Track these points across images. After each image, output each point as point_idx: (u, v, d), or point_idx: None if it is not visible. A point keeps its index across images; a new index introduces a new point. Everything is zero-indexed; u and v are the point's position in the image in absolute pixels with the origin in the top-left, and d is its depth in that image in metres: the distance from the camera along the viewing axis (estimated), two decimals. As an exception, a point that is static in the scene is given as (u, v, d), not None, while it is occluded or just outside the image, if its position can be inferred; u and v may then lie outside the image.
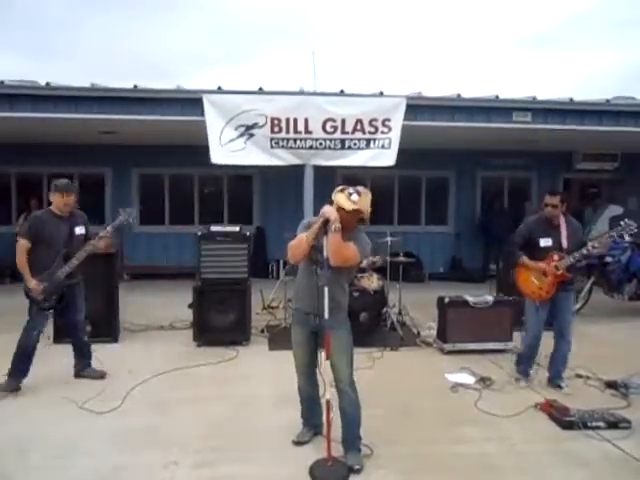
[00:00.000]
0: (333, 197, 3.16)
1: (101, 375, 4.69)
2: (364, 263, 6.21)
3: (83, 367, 4.73)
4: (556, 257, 4.36)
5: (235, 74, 30.17)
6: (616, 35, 33.69)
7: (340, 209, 3.08)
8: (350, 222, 3.15)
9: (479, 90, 20.78)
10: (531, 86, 32.05)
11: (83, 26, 29.71)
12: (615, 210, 9.58)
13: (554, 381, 4.56)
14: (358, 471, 3.14)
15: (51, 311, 4.48)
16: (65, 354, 4.81)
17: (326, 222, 3.06)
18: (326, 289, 3.07)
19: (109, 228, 4.52)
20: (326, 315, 3.08)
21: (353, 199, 3.09)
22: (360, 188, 3.16)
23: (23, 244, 4.30)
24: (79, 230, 4.52)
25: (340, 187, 3.20)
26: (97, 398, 4.16)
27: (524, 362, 4.68)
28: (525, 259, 4.46)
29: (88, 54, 29.02)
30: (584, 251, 4.31)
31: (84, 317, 4.76)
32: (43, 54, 29.92)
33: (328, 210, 3.08)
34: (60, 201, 4.39)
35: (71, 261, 4.35)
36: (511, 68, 33.68)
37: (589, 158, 10.46)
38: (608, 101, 7.23)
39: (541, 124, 7.14)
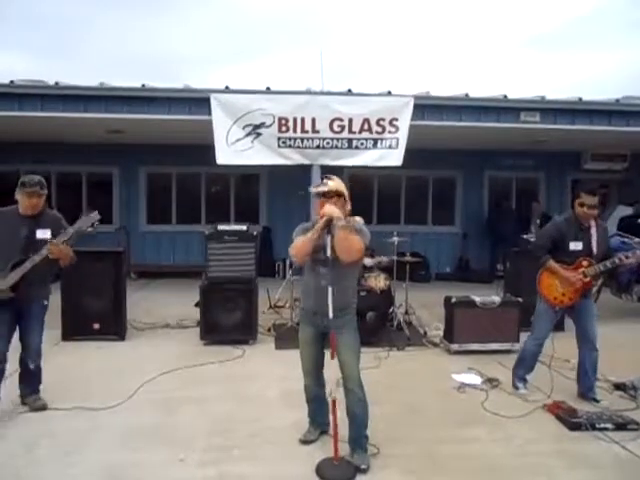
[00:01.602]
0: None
1: (39, 407, 3.92)
2: (371, 261, 6.21)
3: (28, 394, 3.98)
4: (585, 263, 4.12)
5: (242, 73, 30.27)
6: (626, 35, 33.47)
7: (322, 201, 3.14)
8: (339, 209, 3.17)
9: (487, 90, 20.70)
10: (540, 86, 31.92)
11: (91, 26, 29.90)
12: (624, 211, 9.50)
13: (588, 394, 4.28)
14: (365, 471, 3.13)
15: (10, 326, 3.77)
16: (73, 351, 4.84)
17: (329, 221, 3.06)
18: (330, 288, 3.07)
19: (63, 236, 3.69)
20: (330, 314, 3.07)
21: (325, 182, 3.20)
22: (330, 175, 3.27)
23: None
24: (42, 234, 3.70)
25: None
26: (104, 396, 4.17)
27: (524, 367, 4.47)
28: (552, 264, 4.15)
29: (96, 53, 29.19)
30: (616, 260, 4.10)
31: (40, 342, 3.93)
32: (51, 54, 30.15)
33: (329, 209, 3.08)
34: (25, 202, 3.69)
35: (16, 270, 3.59)
36: (519, 68, 33.53)
37: (598, 158, 10.37)
38: (617, 101, 7.18)
39: (550, 124, 7.11)
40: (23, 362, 3.89)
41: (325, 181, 3.21)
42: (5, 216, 3.74)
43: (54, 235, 3.69)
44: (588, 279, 4.13)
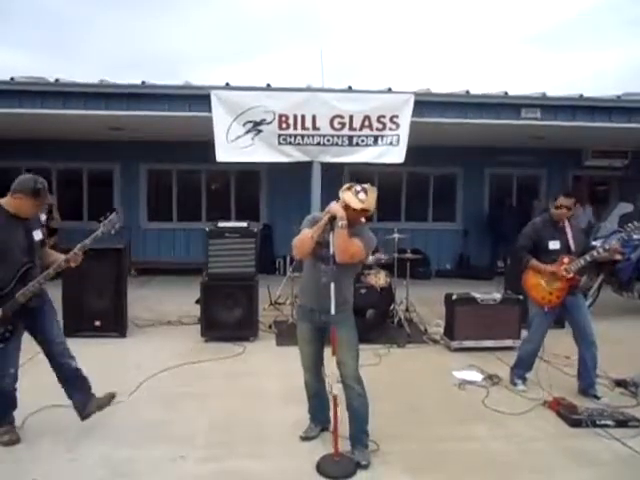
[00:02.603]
0: (340, 195, 3.15)
1: (110, 398, 3.61)
2: (370, 259, 6.21)
3: (85, 401, 3.54)
4: (566, 260, 4.22)
5: (243, 71, 30.19)
6: (627, 32, 33.35)
7: (347, 207, 3.07)
8: (356, 219, 3.16)
9: (488, 87, 20.66)
10: (540, 83, 31.81)
11: (91, 26, 29.79)
12: (625, 207, 9.48)
13: (589, 391, 4.30)
14: (365, 467, 3.14)
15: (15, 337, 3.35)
16: (74, 349, 4.79)
17: (332, 218, 3.06)
18: (332, 285, 3.07)
19: (87, 241, 3.40)
20: (332, 311, 3.08)
21: (361, 197, 3.08)
22: (367, 186, 3.15)
23: None
24: (37, 235, 3.42)
25: (347, 185, 3.19)
26: (105, 393, 4.17)
27: (522, 367, 4.53)
28: (535, 262, 4.30)
29: (96, 53, 29.13)
30: (594, 253, 4.20)
31: (64, 338, 3.62)
32: (53, 52, 30.08)
33: (335, 207, 3.08)
34: (31, 209, 3.30)
35: (33, 283, 3.26)
36: (520, 65, 33.45)
37: (599, 155, 10.35)
38: (618, 97, 7.17)
39: (550, 121, 7.09)
40: (61, 364, 3.49)
41: (361, 192, 3.09)
42: None
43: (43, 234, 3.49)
44: (571, 275, 4.20)
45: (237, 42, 33.90)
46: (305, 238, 3.11)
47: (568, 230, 4.34)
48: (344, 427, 3.25)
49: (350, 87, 6.68)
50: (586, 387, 4.33)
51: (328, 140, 6.50)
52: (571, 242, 4.31)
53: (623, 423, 3.73)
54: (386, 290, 6.03)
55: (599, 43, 34.35)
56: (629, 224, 4.21)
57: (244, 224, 5.96)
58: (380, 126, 6.51)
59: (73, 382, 3.53)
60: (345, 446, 3.23)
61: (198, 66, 29.44)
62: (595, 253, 4.21)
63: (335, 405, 3.13)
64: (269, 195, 10.91)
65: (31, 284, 3.26)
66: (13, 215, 3.28)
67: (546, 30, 31.46)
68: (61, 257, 3.43)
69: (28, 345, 3.60)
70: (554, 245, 4.30)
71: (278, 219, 10.53)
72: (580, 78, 29.17)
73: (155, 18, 31.60)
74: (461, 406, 4.16)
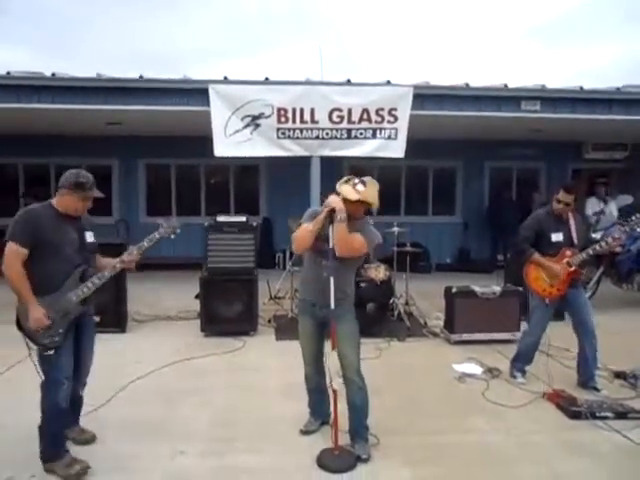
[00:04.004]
0: (338, 188, 3.14)
1: (87, 440, 3.40)
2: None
3: (69, 425, 3.38)
4: (568, 253, 4.22)
5: (243, 68, 30.11)
6: (627, 27, 33.18)
7: (345, 200, 3.06)
8: (356, 212, 3.14)
9: (487, 79, 20.57)
10: (540, 76, 31.73)
11: (92, 24, 29.65)
12: (624, 199, 9.46)
13: (589, 383, 4.31)
14: (365, 460, 3.14)
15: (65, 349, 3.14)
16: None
17: (332, 212, 3.04)
18: (332, 279, 3.06)
19: (144, 243, 3.32)
20: (332, 305, 3.07)
21: (358, 189, 3.07)
22: (366, 178, 3.14)
23: (15, 250, 2.91)
24: (90, 237, 3.23)
25: (345, 178, 3.18)
26: (105, 388, 4.16)
27: (522, 360, 4.54)
28: (537, 256, 4.27)
29: (96, 52, 29.00)
30: (597, 247, 4.19)
31: (91, 364, 3.49)
32: (53, 51, 29.92)
33: (333, 200, 3.07)
34: (77, 205, 3.10)
35: (87, 283, 3.10)
36: (520, 58, 33.32)
37: (599, 148, 10.34)
38: (618, 89, 7.14)
39: (550, 113, 7.06)
40: (73, 390, 3.29)
41: (359, 184, 3.08)
42: (47, 217, 3.05)
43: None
44: (573, 268, 4.20)
45: (237, 39, 33.82)
46: (304, 232, 3.11)
47: (572, 222, 4.32)
48: (344, 421, 3.26)
49: (349, 80, 6.65)
50: (586, 379, 4.34)
51: (327, 134, 6.48)
52: (574, 235, 4.29)
53: (623, 415, 3.73)
54: (386, 284, 6.02)
55: (599, 39, 34.23)
56: (632, 217, 4.18)
57: (243, 218, 5.94)
58: (379, 119, 6.49)
59: (72, 407, 3.36)
60: (345, 440, 3.24)
61: (198, 64, 29.37)
62: (598, 247, 4.20)
63: (335, 399, 3.13)
64: (269, 189, 10.89)
65: (83, 284, 3.09)
66: (63, 214, 3.10)
67: (546, 24, 31.36)
68: (113, 261, 3.27)
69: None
70: (557, 237, 4.28)
71: (278, 213, 10.50)
72: (579, 73, 29.11)
73: (155, 18, 31.50)
74: (461, 399, 4.16)
